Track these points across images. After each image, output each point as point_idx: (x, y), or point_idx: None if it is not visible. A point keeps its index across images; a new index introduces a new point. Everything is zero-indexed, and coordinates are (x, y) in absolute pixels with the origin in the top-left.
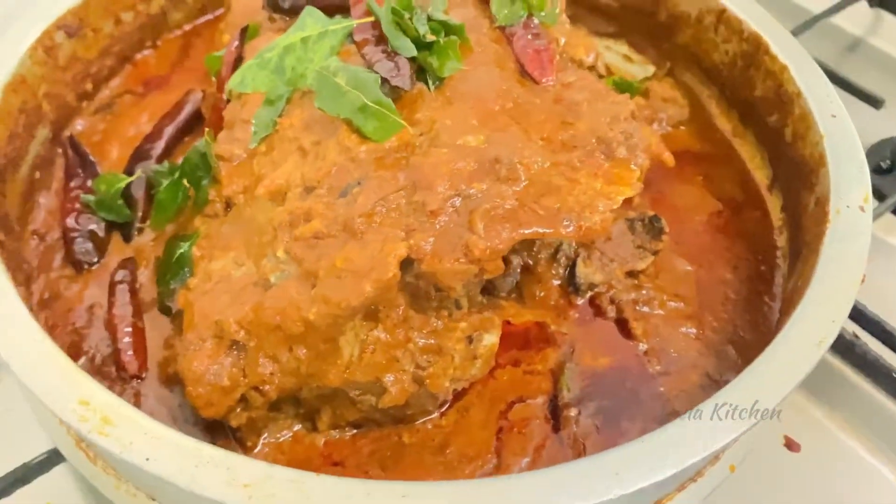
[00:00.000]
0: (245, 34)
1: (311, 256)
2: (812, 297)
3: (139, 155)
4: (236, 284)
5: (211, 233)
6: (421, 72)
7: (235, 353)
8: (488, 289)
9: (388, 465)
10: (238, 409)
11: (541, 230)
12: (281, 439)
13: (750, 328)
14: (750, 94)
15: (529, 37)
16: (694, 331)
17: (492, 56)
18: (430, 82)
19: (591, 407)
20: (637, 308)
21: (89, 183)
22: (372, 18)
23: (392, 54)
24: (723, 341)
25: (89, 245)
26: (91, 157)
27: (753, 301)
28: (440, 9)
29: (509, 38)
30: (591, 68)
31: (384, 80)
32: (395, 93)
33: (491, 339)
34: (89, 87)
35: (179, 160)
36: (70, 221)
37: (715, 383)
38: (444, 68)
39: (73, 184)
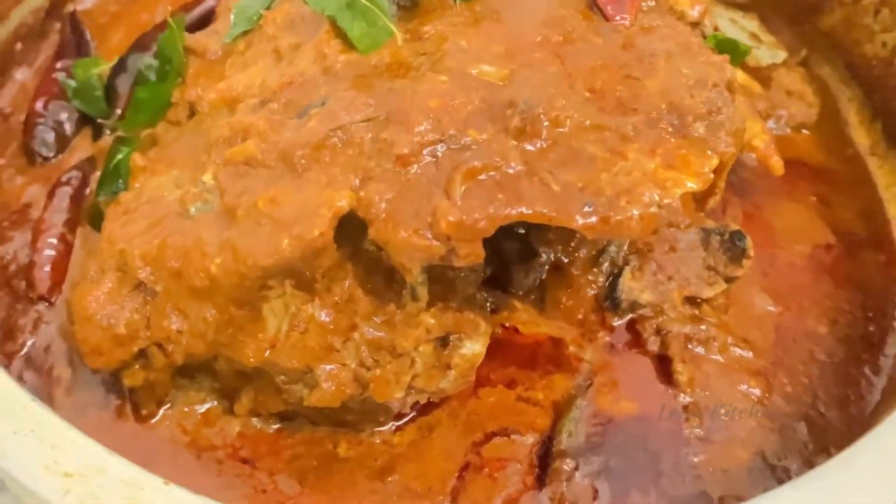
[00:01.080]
0: None
1: (236, 188)
2: None
3: (139, 45)
4: (161, 209)
5: (167, 142)
6: None
7: (141, 297)
8: (502, 282)
9: (308, 479)
10: (136, 366)
11: (546, 212)
12: (188, 414)
13: (836, 405)
14: None
15: None
16: (758, 392)
17: None
18: None
19: (594, 463)
20: (689, 347)
21: None
22: None
23: None
24: (794, 415)
25: (51, 136)
26: (89, 39)
27: (849, 370)
28: None
29: None
30: (695, 26)
31: None
32: None
33: (473, 347)
34: None
35: None
36: (38, 105)
37: (769, 469)
38: None
39: (59, 65)
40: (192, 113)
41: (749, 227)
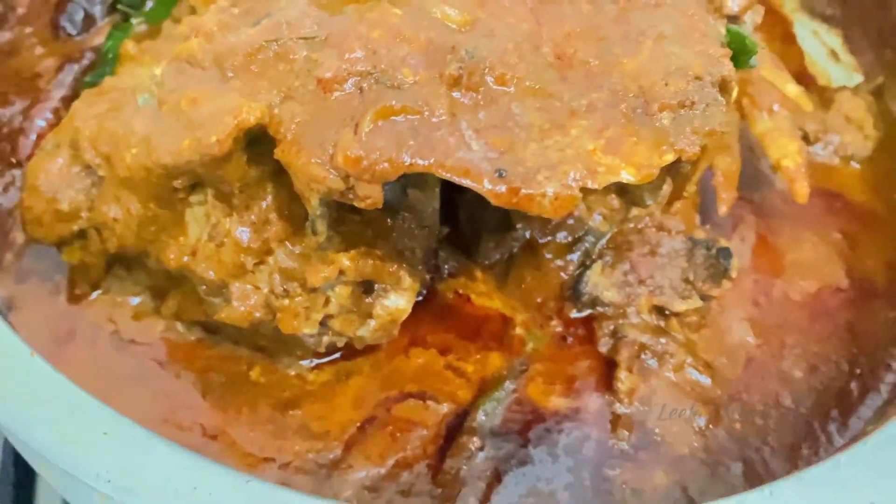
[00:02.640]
0: None
1: (172, 84)
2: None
3: None
4: (124, 97)
5: (163, 38)
6: None
7: (90, 180)
8: (469, 249)
9: (212, 394)
10: (74, 245)
11: (454, 168)
12: (120, 305)
13: (784, 456)
14: None
15: None
16: (703, 422)
17: None
18: None
19: (502, 448)
20: (641, 357)
21: None
22: None
23: None
24: (734, 454)
25: (80, 14)
26: None
27: (812, 423)
28: None
29: None
30: (733, 20)
31: None
32: None
33: (398, 302)
34: None
35: None
36: None
37: (686, 502)
38: None
39: None
40: (195, 10)
41: (757, 250)
